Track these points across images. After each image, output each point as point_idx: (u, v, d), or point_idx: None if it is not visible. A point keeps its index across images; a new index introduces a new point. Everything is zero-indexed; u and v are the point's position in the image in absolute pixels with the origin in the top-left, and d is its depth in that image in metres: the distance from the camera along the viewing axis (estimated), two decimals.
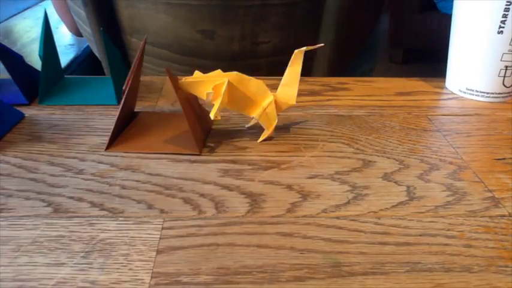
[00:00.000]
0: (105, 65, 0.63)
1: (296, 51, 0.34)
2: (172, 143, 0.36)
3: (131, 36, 0.56)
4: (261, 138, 0.36)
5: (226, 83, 0.33)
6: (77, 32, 0.70)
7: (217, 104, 0.33)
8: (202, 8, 0.51)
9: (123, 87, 0.36)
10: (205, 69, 0.56)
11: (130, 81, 0.36)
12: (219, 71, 0.35)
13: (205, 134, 0.38)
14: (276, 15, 0.52)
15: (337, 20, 0.53)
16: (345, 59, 0.60)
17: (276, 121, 0.36)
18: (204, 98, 0.34)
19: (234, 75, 0.34)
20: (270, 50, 0.55)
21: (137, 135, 0.38)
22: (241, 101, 0.35)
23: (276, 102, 0.36)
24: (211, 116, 0.33)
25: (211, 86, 0.33)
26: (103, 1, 0.54)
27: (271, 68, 0.55)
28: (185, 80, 0.33)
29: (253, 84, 0.35)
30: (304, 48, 0.34)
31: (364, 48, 0.66)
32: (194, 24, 0.52)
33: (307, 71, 0.57)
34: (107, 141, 0.36)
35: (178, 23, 0.52)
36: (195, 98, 0.36)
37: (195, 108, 0.37)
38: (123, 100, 0.36)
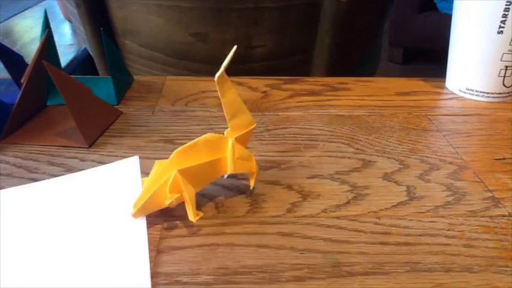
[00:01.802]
0: (99, 65, 0.63)
1: (216, 79, 0.27)
2: (63, 136, 0.37)
3: (124, 38, 0.56)
4: (252, 183, 0.30)
5: (174, 174, 0.26)
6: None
7: (188, 206, 0.27)
8: (194, 10, 0.51)
9: (21, 80, 0.37)
10: (199, 73, 0.56)
11: (29, 74, 0.36)
12: (158, 164, 0.28)
13: (102, 127, 0.38)
14: (270, 19, 0.52)
15: (334, 24, 0.53)
16: (344, 65, 0.60)
17: (252, 155, 0.30)
18: (170, 205, 0.27)
19: (175, 157, 0.27)
20: (266, 54, 0.54)
21: (36, 128, 0.39)
22: (204, 173, 0.28)
23: (237, 140, 0.29)
24: (193, 220, 0.26)
25: (164, 190, 0.27)
26: (95, 3, 0.54)
27: (267, 72, 0.55)
28: (134, 208, 0.27)
29: (202, 146, 0.28)
30: (221, 71, 0.27)
31: (365, 57, 0.65)
32: (186, 27, 0.52)
33: (305, 74, 0.57)
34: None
35: (171, 25, 0.52)
36: (89, 90, 0.37)
37: (87, 101, 0.37)
38: (20, 93, 0.37)
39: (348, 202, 0.30)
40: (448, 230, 0.27)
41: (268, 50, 0.54)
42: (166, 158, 0.27)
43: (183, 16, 0.51)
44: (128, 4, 0.52)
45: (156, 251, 0.26)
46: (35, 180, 0.32)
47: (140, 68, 0.58)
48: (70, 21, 0.73)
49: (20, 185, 0.31)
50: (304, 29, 0.54)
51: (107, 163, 0.34)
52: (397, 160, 0.35)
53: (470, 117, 0.42)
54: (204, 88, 0.47)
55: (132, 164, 0.32)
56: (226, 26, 0.52)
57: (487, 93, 0.44)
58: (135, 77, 0.49)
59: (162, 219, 0.28)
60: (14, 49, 0.40)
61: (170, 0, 0.51)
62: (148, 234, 0.27)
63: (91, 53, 0.65)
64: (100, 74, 0.65)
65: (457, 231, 0.27)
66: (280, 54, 0.55)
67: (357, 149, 0.36)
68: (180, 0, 0.50)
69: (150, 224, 0.28)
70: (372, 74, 0.70)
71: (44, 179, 0.32)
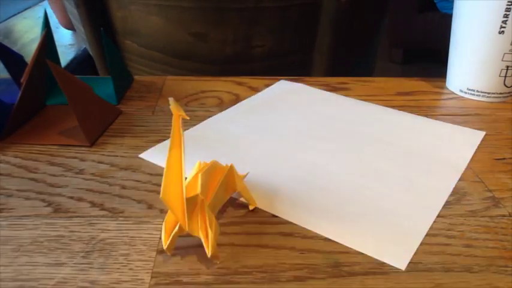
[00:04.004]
0: (99, 65, 0.63)
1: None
2: (65, 135, 0.37)
3: (124, 38, 0.56)
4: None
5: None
6: (67, 26, 0.71)
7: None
8: (194, 10, 0.51)
9: (21, 80, 0.37)
10: (199, 73, 0.56)
11: (28, 74, 0.36)
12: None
13: (103, 125, 0.39)
14: (270, 19, 0.52)
15: (334, 24, 0.53)
16: (344, 65, 0.60)
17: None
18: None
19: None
20: (265, 54, 0.54)
21: (36, 128, 0.39)
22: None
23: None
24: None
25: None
26: (95, 2, 0.54)
27: (267, 72, 0.55)
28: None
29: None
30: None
31: (363, 57, 0.65)
32: (186, 27, 0.52)
33: (305, 74, 0.57)
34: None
35: (171, 25, 0.52)
36: (90, 89, 0.37)
37: (89, 100, 0.37)
38: (20, 93, 0.37)
39: None
40: (448, 230, 0.27)
41: (268, 49, 0.54)
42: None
43: (183, 16, 0.51)
44: (128, 4, 0.52)
45: (156, 251, 0.26)
46: (35, 180, 0.32)
47: (140, 67, 0.58)
48: (70, 29, 0.74)
49: (20, 184, 0.31)
50: (304, 29, 0.54)
51: (107, 163, 0.34)
52: None
53: (470, 117, 0.42)
54: (204, 88, 0.47)
55: (475, 137, 0.37)
56: (226, 25, 0.52)
57: (488, 93, 0.44)
58: (135, 77, 0.49)
59: (162, 219, 0.28)
60: (14, 49, 0.40)
61: (170, 0, 0.51)
62: (148, 234, 0.27)
63: (91, 53, 0.65)
64: (100, 74, 0.65)
65: (457, 231, 0.27)
66: (280, 53, 0.55)
67: None
68: (180, 0, 0.50)
69: (150, 224, 0.28)
70: (369, 74, 0.70)
71: (44, 179, 0.32)
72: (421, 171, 0.33)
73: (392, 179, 0.32)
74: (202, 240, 0.24)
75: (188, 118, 0.24)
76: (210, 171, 0.27)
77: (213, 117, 0.40)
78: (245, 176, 0.31)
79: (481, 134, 0.38)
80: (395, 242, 0.26)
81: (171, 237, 0.24)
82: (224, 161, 0.29)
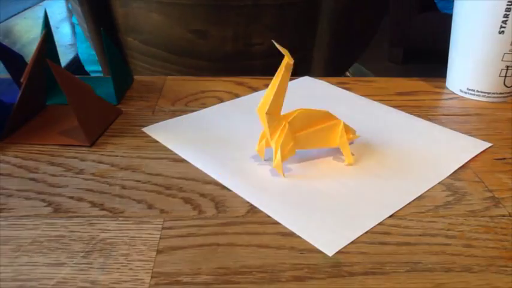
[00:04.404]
0: (100, 62, 0.63)
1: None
2: (65, 135, 0.37)
3: (127, 35, 0.56)
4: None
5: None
6: None
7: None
8: (193, 7, 0.51)
9: (21, 79, 0.36)
10: (199, 70, 0.56)
11: (28, 74, 0.36)
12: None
13: (103, 125, 0.39)
14: (269, 16, 0.52)
15: (333, 22, 0.53)
16: (344, 62, 0.60)
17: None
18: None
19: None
20: (265, 52, 0.54)
21: (37, 128, 0.39)
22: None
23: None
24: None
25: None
26: (98, 0, 0.54)
27: (266, 70, 0.55)
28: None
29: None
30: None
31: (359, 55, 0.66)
32: (186, 24, 0.52)
33: (304, 72, 0.57)
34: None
35: (171, 22, 0.52)
36: (91, 89, 0.37)
37: (89, 100, 0.37)
38: (20, 93, 0.37)
39: None
40: (448, 230, 0.27)
41: (268, 47, 0.54)
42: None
43: (183, 13, 0.52)
44: (130, 1, 0.53)
45: (156, 251, 0.26)
46: (35, 180, 0.32)
47: (142, 64, 0.59)
48: None
49: (20, 184, 0.31)
50: (303, 27, 0.54)
51: (107, 163, 0.34)
52: None
53: (470, 117, 0.42)
54: (204, 88, 0.47)
55: (476, 147, 0.36)
56: (225, 23, 0.52)
57: (488, 93, 0.44)
58: (135, 76, 0.49)
59: (162, 219, 0.28)
60: (14, 49, 0.40)
61: None
62: (148, 234, 0.27)
63: (94, 50, 0.65)
64: (102, 70, 0.65)
65: (457, 231, 0.27)
66: (279, 51, 0.55)
67: None
68: None
69: (150, 224, 0.28)
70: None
71: (44, 179, 0.32)
72: (401, 173, 0.33)
73: (369, 177, 0.32)
74: (274, 154, 0.31)
75: (292, 62, 0.31)
76: (316, 114, 0.33)
77: (223, 103, 0.44)
78: (354, 138, 0.35)
79: (484, 145, 0.36)
80: (334, 232, 0.27)
81: (260, 143, 0.33)
82: (221, 139, 0.34)
